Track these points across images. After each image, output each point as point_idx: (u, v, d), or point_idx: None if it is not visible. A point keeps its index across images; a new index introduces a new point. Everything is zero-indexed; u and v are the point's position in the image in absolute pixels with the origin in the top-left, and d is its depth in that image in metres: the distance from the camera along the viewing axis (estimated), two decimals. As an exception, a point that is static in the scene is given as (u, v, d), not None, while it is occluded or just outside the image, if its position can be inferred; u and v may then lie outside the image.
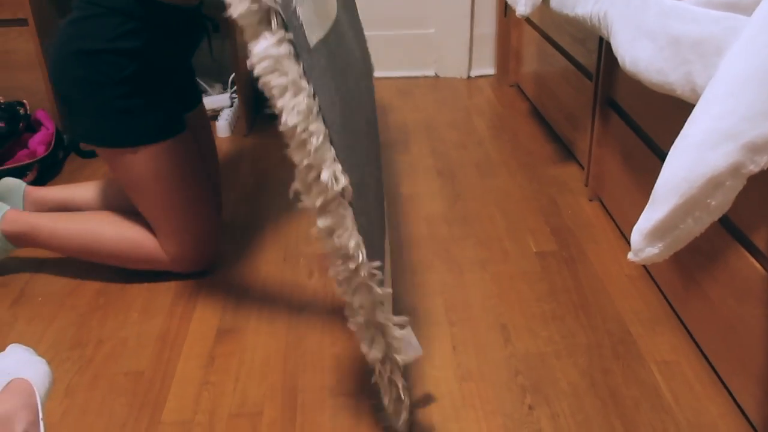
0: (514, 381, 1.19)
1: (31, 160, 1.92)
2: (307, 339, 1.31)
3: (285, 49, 0.81)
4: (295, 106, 0.82)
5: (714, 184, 0.71)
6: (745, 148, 0.69)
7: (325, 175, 0.84)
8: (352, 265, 0.89)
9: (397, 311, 1.36)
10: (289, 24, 0.82)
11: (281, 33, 0.80)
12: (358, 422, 1.11)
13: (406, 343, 1.00)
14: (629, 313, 1.34)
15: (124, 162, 1.38)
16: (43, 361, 0.96)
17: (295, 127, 0.82)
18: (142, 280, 1.50)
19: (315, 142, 0.83)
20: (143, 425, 1.13)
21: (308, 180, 0.86)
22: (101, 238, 1.47)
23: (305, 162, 0.84)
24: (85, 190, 1.64)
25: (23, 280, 1.52)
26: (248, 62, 0.82)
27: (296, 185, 0.88)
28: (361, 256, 0.89)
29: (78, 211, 1.56)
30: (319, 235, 0.89)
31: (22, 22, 2.01)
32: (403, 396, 1.01)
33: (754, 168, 0.69)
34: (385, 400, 1.01)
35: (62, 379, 1.23)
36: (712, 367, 1.19)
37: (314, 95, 0.84)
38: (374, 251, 0.96)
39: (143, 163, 1.37)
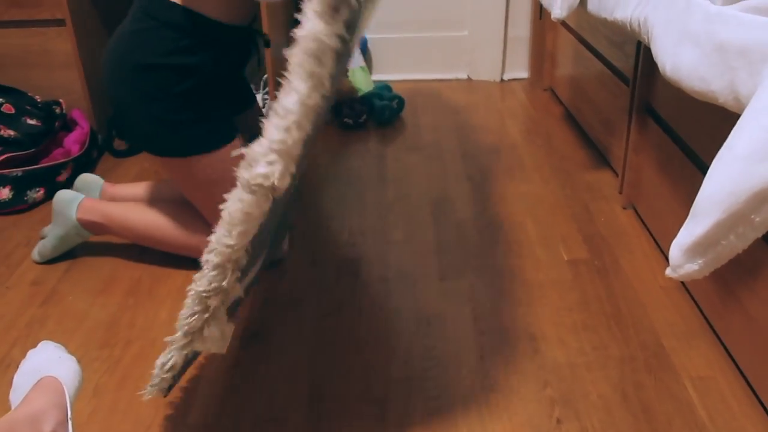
0: (543, 393, 1.16)
1: (65, 159, 1.94)
2: (335, 344, 1.30)
3: (335, 43, 0.79)
4: (307, 97, 0.80)
5: (761, 198, 0.68)
6: (794, 162, 0.66)
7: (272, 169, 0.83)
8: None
9: (424, 317, 1.35)
10: (350, 27, 0.80)
11: (341, 28, 0.79)
12: (384, 430, 1.10)
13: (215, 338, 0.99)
14: (663, 326, 1.31)
15: (178, 170, 1.42)
16: (74, 359, 0.97)
17: (290, 113, 0.80)
18: (171, 281, 1.51)
19: (294, 137, 0.82)
20: (169, 427, 1.13)
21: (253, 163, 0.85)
22: (170, 232, 1.52)
23: (273, 147, 0.83)
24: (156, 188, 1.66)
25: (55, 279, 1.54)
26: (295, 32, 0.80)
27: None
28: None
29: (149, 202, 1.58)
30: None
31: (60, 23, 2.03)
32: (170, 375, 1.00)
33: (803, 183, 0.66)
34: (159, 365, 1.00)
35: (91, 378, 1.23)
36: (749, 385, 1.15)
37: (324, 98, 0.83)
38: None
39: (197, 171, 1.39)
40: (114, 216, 1.54)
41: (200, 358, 1.27)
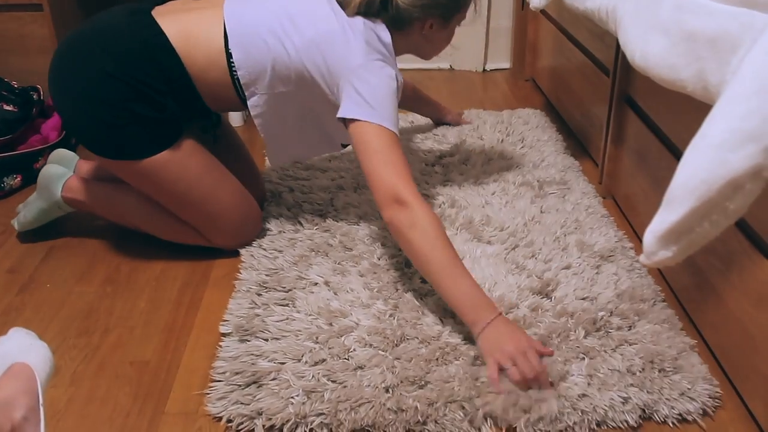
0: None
1: (43, 146, 1.92)
2: (316, 326, 1.31)
3: None
4: None
5: (733, 186, 0.70)
6: None
7: None
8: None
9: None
10: None
11: None
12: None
13: None
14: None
15: (125, 173, 1.43)
16: (45, 345, 0.96)
17: None
18: (150, 270, 1.51)
19: None
20: (147, 415, 1.13)
21: None
22: (154, 216, 1.51)
23: None
24: None
25: (32, 267, 1.53)
26: None
27: None
28: None
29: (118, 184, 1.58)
30: None
31: (37, 8, 2.00)
32: None
33: (774, 170, 0.69)
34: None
35: (68, 366, 1.23)
36: (724, 372, 1.18)
37: None
38: None
39: (149, 174, 1.40)
40: (99, 198, 1.53)
41: (174, 344, 1.28)
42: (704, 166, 0.74)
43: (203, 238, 1.51)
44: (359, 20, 1.36)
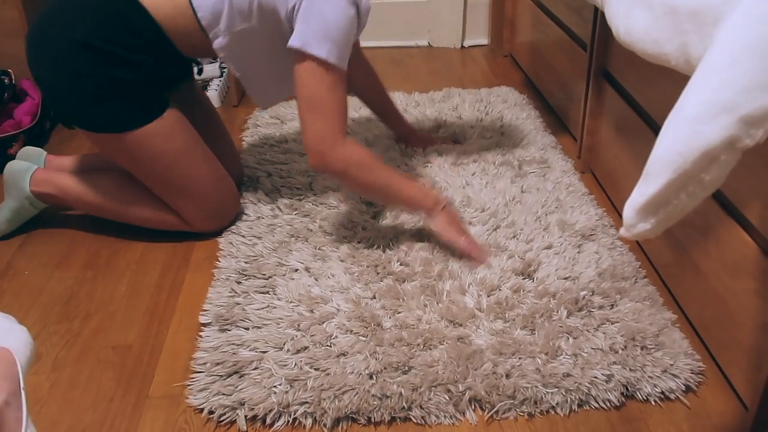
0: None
1: (16, 131, 1.88)
2: (297, 313, 1.30)
3: None
4: None
5: (709, 158, 0.70)
6: (742, 122, 0.67)
7: None
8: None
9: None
10: None
11: None
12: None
13: None
14: (620, 287, 1.33)
15: (110, 146, 1.40)
16: (24, 329, 0.95)
17: None
18: (130, 253, 1.49)
19: None
20: (131, 399, 1.12)
21: None
22: (127, 205, 1.50)
23: None
24: (103, 159, 1.63)
25: (9, 253, 1.51)
26: None
27: None
28: None
29: (104, 172, 1.55)
30: None
31: (5, -10, 1.96)
32: None
33: (749, 142, 0.68)
34: None
35: (50, 353, 1.22)
36: (702, 341, 1.19)
37: None
38: None
39: (131, 148, 1.38)
40: (69, 188, 1.50)
41: (157, 328, 1.27)
42: (680, 139, 0.73)
43: (180, 222, 1.49)
44: None
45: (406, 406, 1.06)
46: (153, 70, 1.38)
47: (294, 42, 1.26)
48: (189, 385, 1.13)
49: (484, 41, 2.76)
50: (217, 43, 1.38)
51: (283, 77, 1.46)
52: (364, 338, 1.17)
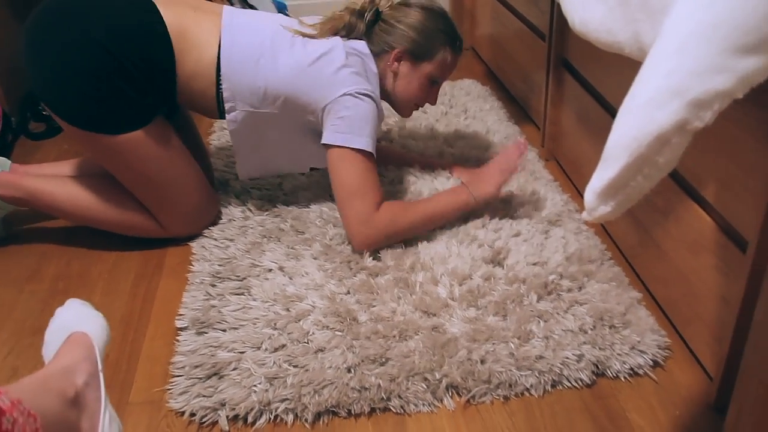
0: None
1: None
2: (273, 312, 1.31)
3: None
4: None
5: (662, 141, 0.73)
6: (691, 105, 0.70)
7: None
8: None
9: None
10: None
11: None
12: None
13: None
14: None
15: (98, 148, 1.39)
16: (100, 314, 1.02)
17: None
18: (101, 263, 1.49)
19: None
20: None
21: None
22: (100, 208, 1.48)
23: None
24: (73, 167, 1.62)
25: (-22, 268, 1.49)
26: None
27: None
28: None
29: (74, 178, 1.53)
30: None
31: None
32: None
33: (699, 124, 0.71)
34: None
35: (26, 366, 1.21)
36: (667, 318, 1.23)
37: None
38: None
39: (124, 151, 1.38)
40: (38, 192, 1.48)
41: (133, 335, 1.27)
42: (634, 124, 0.76)
43: (155, 227, 1.50)
44: (353, 46, 1.40)
45: (385, 397, 1.08)
46: (151, 100, 1.39)
47: (332, 139, 1.35)
48: (169, 389, 1.13)
49: (445, 35, 2.79)
50: (231, 116, 1.42)
51: (276, 160, 1.53)
52: (340, 333, 1.19)
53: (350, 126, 1.34)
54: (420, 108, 1.59)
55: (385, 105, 1.50)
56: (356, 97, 1.34)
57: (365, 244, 1.36)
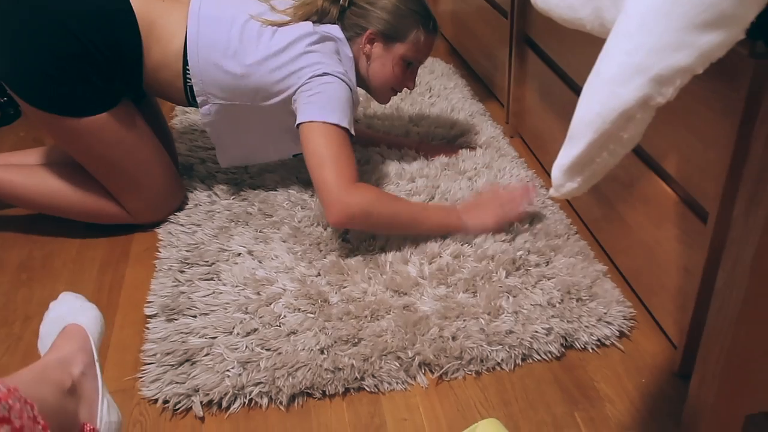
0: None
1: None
2: (243, 296, 1.31)
3: None
4: None
5: (626, 117, 0.74)
6: (654, 81, 0.71)
7: None
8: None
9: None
10: None
11: None
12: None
13: None
14: (554, 245, 1.39)
15: (61, 132, 1.36)
16: (94, 306, 1.03)
17: None
18: (65, 252, 1.46)
19: None
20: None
21: None
22: (63, 196, 1.46)
23: None
24: (37, 156, 1.58)
25: (-63, 262, 1.46)
26: None
27: None
28: None
29: (36, 166, 1.50)
30: None
31: None
32: None
33: (661, 100, 0.72)
34: None
35: (-9, 359, 1.20)
36: (632, 289, 1.26)
37: None
38: None
39: (88, 134, 1.35)
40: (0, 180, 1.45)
41: (110, 326, 1.26)
42: (599, 101, 0.77)
43: (121, 213, 1.47)
44: (325, 30, 1.38)
45: (358, 377, 1.09)
46: (117, 86, 1.37)
47: (303, 117, 1.30)
48: (140, 377, 1.13)
49: (407, 13, 2.78)
50: (205, 110, 1.40)
51: (260, 149, 1.50)
52: (312, 315, 1.19)
53: (321, 104, 1.30)
54: (398, 93, 1.58)
55: (361, 92, 1.49)
56: (325, 78, 1.32)
57: (342, 216, 1.25)
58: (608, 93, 0.74)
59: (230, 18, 1.37)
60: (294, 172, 1.61)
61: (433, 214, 1.34)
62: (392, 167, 1.59)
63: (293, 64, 1.33)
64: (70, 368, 0.88)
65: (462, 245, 1.33)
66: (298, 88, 1.33)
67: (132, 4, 1.33)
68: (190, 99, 1.42)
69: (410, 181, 1.55)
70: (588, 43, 1.29)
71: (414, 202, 1.37)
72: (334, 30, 1.40)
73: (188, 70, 1.36)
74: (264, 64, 1.34)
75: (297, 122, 1.32)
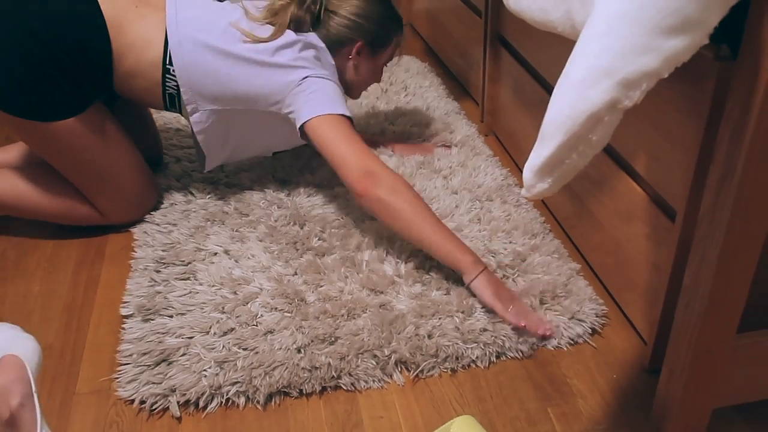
0: (425, 317, 1.23)
1: None
2: (220, 296, 1.31)
3: None
4: None
5: (594, 120, 0.75)
6: (620, 85, 0.73)
7: None
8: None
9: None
10: None
11: None
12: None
13: None
14: (528, 243, 1.41)
15: (31, 133, 1.35)
16: (31, 337, 1.00)
17: None
18: (39, 252, 1.45)
19: None
20: (57, 397, 1.11)
21: None
22: (32, 198, 1.45)
23: None
24: (6, 155, 1.57)
25: None
26: None
27: None
28: None
29: (4, 169, 1.48)
30: None
31: None
32: None
33: (628, 103, 0.74)
34: None
35: (-36, 361, 1.18)
36: (604, 286, 1.28)
37: None
38: None
39: (57, 139, 1.35)
40: None
41: (77, 324, 1.25)
42: (568, 103, 0.78)
43: (94, 214, 1.47)
44: (306, 39, 1.38)
45: (335, 375, 1.10)
46: (87, 90, 1.36)
47: (307, 114, 1.30)
48: (117, 378, 1.13)
49: (383, 11, 2.78)
50: (196, 117, 1.39)
51: (244, 149, 1.50)
52: (289, 314, 1.20)
53: (318, 100, 1.31)
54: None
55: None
56: (314, 79, 1.33)
57: (370, 183, 1.21)
58: (577, 95, 0.76)
59: (211, 21, 1.36)
60: (270, 171, 1.62)
61: (456, 244, 1.21)
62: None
63: (284, 69, 1.34)
64: (8, 399, 0.87)
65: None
66: (291, 91, 1.33)
67: (102, 8, 1.32)
68: (167, 105, 1.42)
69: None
70: (559, 43, 1.30)
71: (440, 221, 1.24)
72: (312, 38, 1.40)
73: (168, 79, 1.36)
74: (253, 67, 1.34)
75: (300, 123, 1.32)
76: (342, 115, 1.30)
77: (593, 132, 0.77)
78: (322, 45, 1.41)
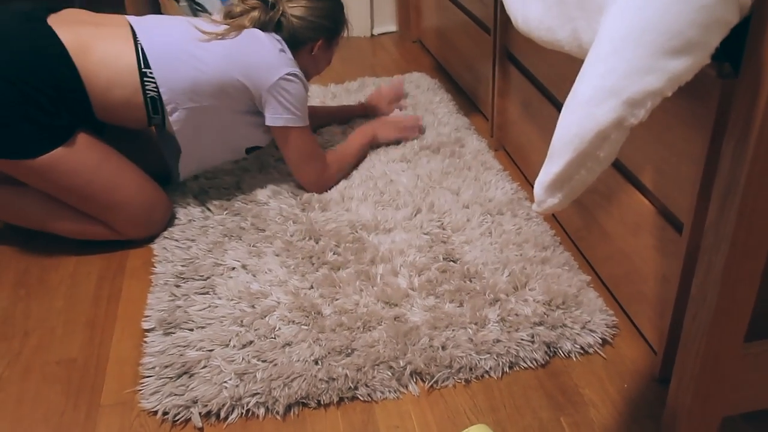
0: (439, 329, 1.26)
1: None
2: (238, 310, 1.34)
3: None
4: None
5: (601, 137, 0.79)
6: (627, 104, 0.76)
7: None
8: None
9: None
10: None
11: None
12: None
13: None
14: (539, 255, 1.44)
15: (22, 171, 1.38)
16: None
17: None
18: (62, 268, 1.49)
19: None
20: (83, 410, 1.14)
21: None
22: (58, 214, 1.49)
23: None
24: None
25: (-66, 280, 1.48)
26: None
27: None
28: None
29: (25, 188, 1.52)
30: None
31: None
32: None
33: (634, 120, 0.77)
34: None
35: (-8, 375, 1.22)
36: (614, 297, 1.31)
37: None
38: None
39: (44, 172, 1.38)
40: None
41: (100, 338, 1.28)
42: (576, 122, 0.81)
43: (109, 231, 1.51)
44: (271, 35, 1.51)
45: (352, 386, 1.13)
46: (66, 121, 1.39)
47: (278, 121, 1.51)
48: (140, 390, 1.16)
49: (393, 28, 2.83)
50: (175, 117, 1.46)
51: (215, 152, 1.59)
52: (306, 327, 1.23)
53: (292, 107, 1.50)
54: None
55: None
56: (292, 79, 1.48)
57: (322, 192, 1.63)
58: (584, 114, 0.79)
59: (174, 24, 1.47)
60: (285, 188, 1.65)
61: (362, 141, 1.73)
62: (380, 182, 1.63)
63: (263, 62, 1.46)
64: None
65: (449, 263, 1.38)
66: (269, 87, 1.46)
67: (61, 38, 1.35)
68: (151, 113, 1.46)
69: (402, 193, 1.59)
70: (567, 59, 1.34)
71: (346, 145, 1.71)
72: (275, 35, 1.52)
73: (147, 81, 1.41)
74: (228, 60, 1.44)
75: (270, 123, 1.51)
76: (306, 127, 1.54)
77: (601, 149, 0.80)
78: (284, 45, 1.52)
